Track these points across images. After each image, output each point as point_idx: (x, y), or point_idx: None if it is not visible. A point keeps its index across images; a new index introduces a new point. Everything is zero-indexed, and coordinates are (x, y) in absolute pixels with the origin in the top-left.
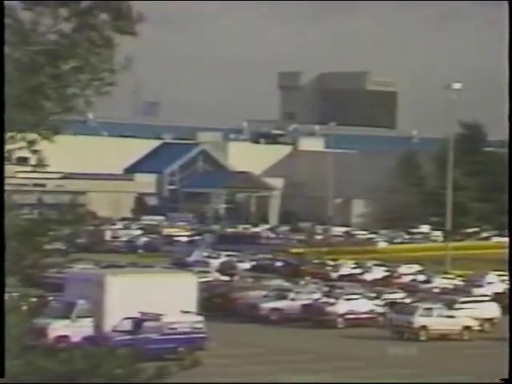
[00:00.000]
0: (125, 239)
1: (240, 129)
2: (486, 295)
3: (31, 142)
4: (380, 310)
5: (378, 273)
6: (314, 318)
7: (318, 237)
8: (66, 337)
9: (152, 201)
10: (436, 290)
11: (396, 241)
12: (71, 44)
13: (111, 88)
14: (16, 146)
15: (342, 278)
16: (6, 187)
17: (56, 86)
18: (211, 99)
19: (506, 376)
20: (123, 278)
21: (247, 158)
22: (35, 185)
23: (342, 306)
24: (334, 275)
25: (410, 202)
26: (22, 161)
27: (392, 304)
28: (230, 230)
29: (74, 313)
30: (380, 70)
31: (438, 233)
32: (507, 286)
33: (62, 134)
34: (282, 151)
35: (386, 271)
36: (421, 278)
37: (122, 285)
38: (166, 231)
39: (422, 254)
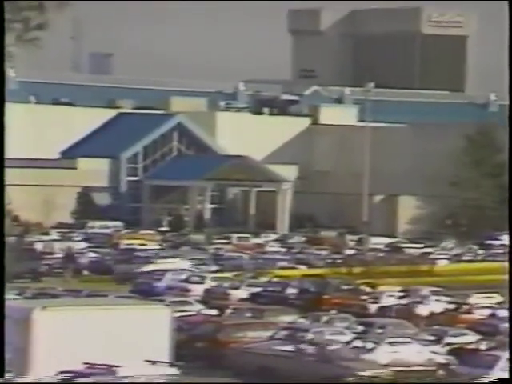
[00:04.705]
0: (62, 255)
1: (234, 92)
2: None
3: None
4: (441, 359)
5: (438, 305)
6: None
7: (349, 251)
8: None
9: (103, 198)
10: None
11: (464, 258)
12: None
13: (40, 33)
14: None
15: (383, 311)
16: None
17: None
18: (190, 49)
19: None
20: (59, 312)
21: (244, 135)
22: None
23: (383, 354)
24: (373, 308)
25: (485, 201)
26: None
27: (459, 351)
28: (219, 240)
29: None
30: (441, 6)
31: None
32: None
33: None
34: (295, 125)
35: (450, 303)
36: (502, 313)
37: (56, 323)
38: (125, 243)
39: (503, 278)
